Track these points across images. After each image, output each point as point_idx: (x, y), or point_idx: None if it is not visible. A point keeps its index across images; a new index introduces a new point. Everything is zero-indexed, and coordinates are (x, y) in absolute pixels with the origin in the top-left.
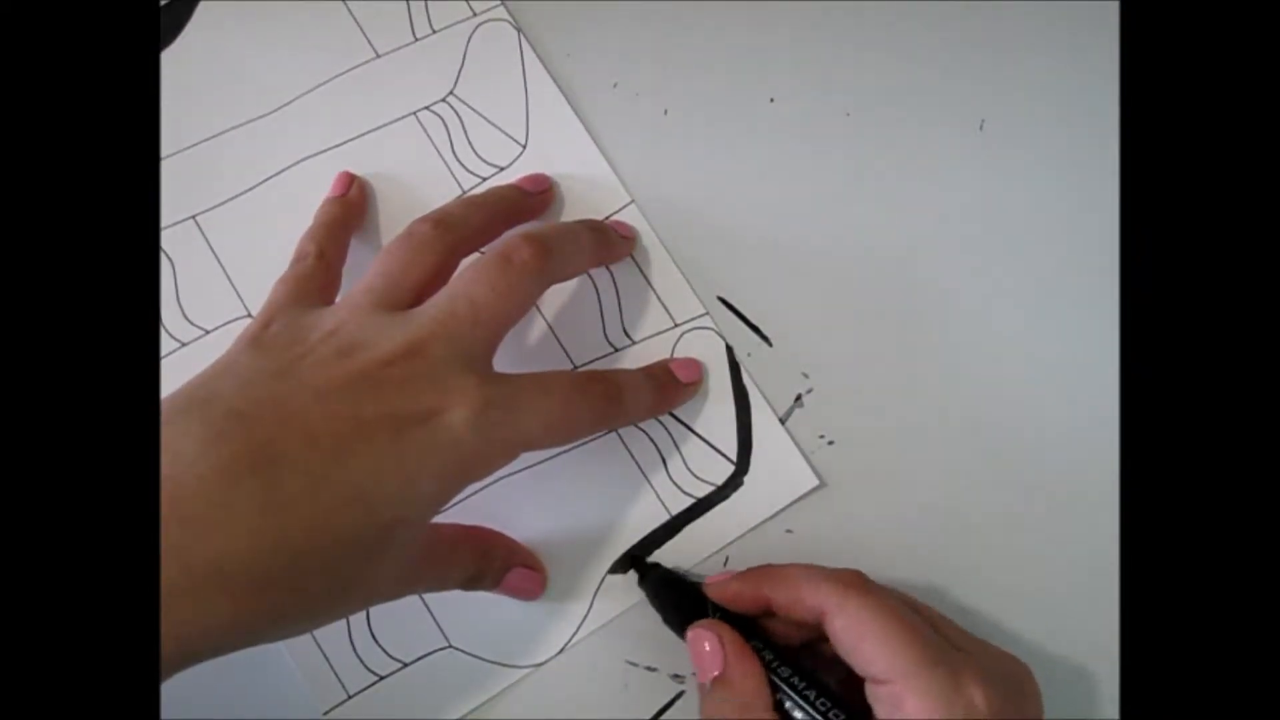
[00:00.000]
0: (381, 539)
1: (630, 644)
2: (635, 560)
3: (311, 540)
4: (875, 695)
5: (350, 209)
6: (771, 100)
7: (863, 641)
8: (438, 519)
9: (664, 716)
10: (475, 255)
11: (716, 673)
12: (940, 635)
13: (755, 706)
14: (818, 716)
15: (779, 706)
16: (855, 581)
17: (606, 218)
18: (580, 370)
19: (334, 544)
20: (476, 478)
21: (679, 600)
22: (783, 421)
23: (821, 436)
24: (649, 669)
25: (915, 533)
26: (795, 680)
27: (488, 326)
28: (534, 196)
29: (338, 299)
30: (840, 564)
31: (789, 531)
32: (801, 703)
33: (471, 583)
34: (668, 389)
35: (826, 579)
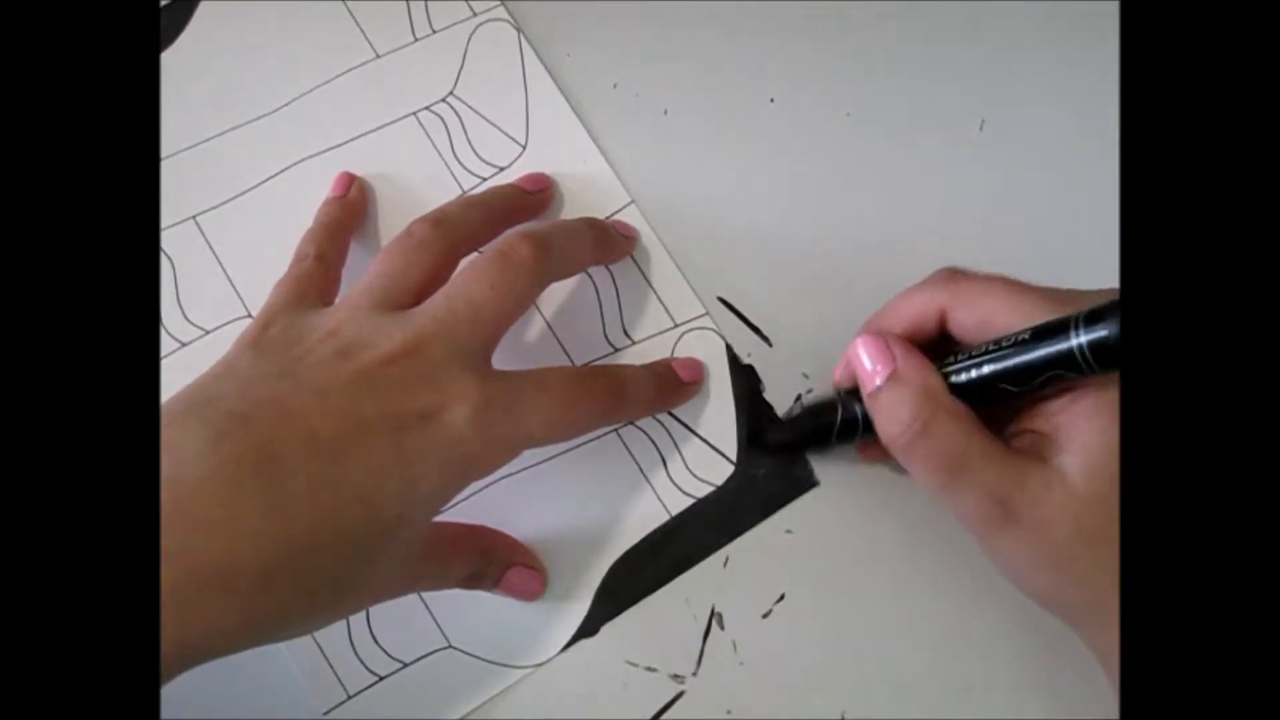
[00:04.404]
0: (383, 538)
1: (630, 644)
2: (754, 437)
3: (314, 540)
4: None
5: (350, 210)
6: (771, 100)
7: (990, 317)
8: (438, 518)
9: (664, 716)
10: (474, 254)
11: (889, 371)
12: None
13: (937, 392)
14: (1001, 361)
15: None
16: (955, 273)
17: (607, 218)
18: (581, 366)
19: (337, 544)
20: (478, 476)
21: (815, 422)
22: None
23: None
24: (649, 669)
25: (915, 533)
26: (959, 358)
27: (486, 325)
28: (533, 196)
29: (338, 300)
30: (840, 564)
31: (789, 532)
32: (974, 366)
33: (472, 581)
34: (669, 386)
35: (927, 287)
